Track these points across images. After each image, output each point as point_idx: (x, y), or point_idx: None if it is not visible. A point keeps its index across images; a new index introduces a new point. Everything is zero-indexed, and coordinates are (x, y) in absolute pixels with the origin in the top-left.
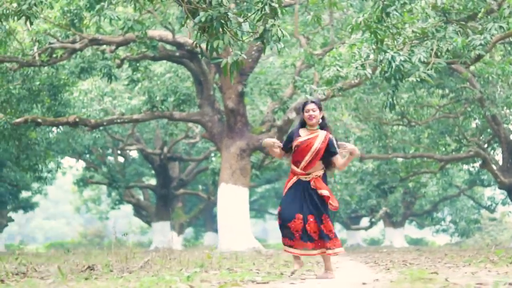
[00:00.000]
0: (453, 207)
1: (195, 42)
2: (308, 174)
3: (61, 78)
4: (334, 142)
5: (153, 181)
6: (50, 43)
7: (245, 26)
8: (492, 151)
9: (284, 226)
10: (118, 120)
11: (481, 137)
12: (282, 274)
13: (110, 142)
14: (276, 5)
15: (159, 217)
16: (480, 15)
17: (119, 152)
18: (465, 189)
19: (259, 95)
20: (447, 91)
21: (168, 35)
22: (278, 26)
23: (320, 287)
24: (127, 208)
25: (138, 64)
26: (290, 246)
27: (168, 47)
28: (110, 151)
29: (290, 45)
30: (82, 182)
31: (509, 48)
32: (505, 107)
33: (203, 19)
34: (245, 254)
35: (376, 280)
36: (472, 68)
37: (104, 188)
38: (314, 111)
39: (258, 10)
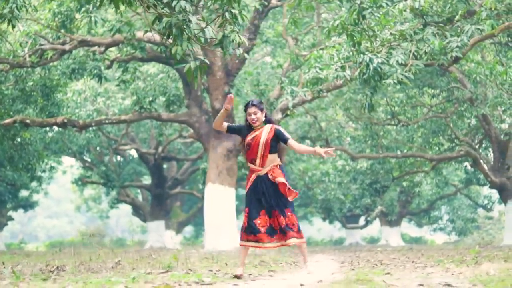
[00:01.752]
0: (450, 205)
1: (159, 48)
2: (265, 168)
3: (54, 79)
4: (282, 130)
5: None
6: (40, 44)
7: (208, 32)
8: (485, 150)
9: (249, 224)
10: (107, 121)
11: (473, 137)
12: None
13: (106, 142)
14: (236, 11)
15: (154, 216)
16: (457, 17)
17: (117, 151)
18: (461, 188)
19: (247, 95)
20: (438, 91)
21: (156, 36)
22: (237, 32)
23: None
24: (128, 207)
25: (127, 65)
26: (254, 241)
27: (157, 48)
28: (108, 150)
29: (282, 46)
30: (81, 181)
31: (499, 48)
32: (498, 107)
33: (163, 26)
34: (229, 254)
35: (319, 281)
36: (465, 68)
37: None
38: (255, 114)
39: (218, 16)
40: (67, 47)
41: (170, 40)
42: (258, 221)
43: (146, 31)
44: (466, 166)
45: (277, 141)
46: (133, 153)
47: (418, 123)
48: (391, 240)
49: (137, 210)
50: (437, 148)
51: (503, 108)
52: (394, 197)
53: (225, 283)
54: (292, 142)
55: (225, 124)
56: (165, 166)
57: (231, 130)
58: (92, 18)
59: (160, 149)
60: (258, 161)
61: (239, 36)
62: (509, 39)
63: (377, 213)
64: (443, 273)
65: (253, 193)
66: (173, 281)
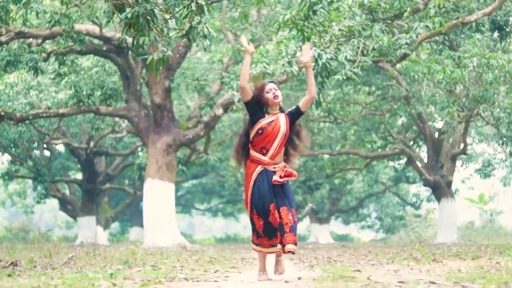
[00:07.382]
0: (378, 203)
1: (120, 39)
2: (276, 163)
3: None
4: (291, 109)
5: (79, 176)
6: None
7: (171, 23)
8: (418, 148)
9: (265, 222)
10: (44, 114)
11: (406, 135)
12: (206, 271)
13: (36, 136)
14: (203, 3)
15: (84, 211)
16: (406, 14)
17: (45, 146)
18: (390, 186)
19: (186, 90)
20: (373, 88)
21: (95, 29)
22: (205, 24)
23: (243, 285)
24: (53, 202)
25: (64, 58)
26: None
27: (96, 41)
28: (36, 144)
29: (218, 41)
30: (8, 176)
31: (435, 47)
32: (430, 105)
33: (129, 15)
34: (170, 250)
35: (299, 279)
36: (398, 66)
37: (29, 182)
38: (276, 90)
39: (184, 7)
40: (3, 38)
41: (132, 31)
42: (271, 219)
43: (108, 22)
44: (397, 164)
45: (291, 134)
46: (60, 147)
47: (352, 120)
48: (320, 238)
49: (65, 205)
50: (369, 146)
51: (437, 107)
52: (324, 195)
53: (201, 279)
54: (302, 101)
55: (250, 91)
56: (94, 161)
57: (251, 103)
58: (33, 9)
59: (92, 143)
60: (272, 152)
61: (207, 27)
62: (445, 38)
63: (307, 210)
64: (409, 270)
65: (261, 187)
66: (152, 277)
